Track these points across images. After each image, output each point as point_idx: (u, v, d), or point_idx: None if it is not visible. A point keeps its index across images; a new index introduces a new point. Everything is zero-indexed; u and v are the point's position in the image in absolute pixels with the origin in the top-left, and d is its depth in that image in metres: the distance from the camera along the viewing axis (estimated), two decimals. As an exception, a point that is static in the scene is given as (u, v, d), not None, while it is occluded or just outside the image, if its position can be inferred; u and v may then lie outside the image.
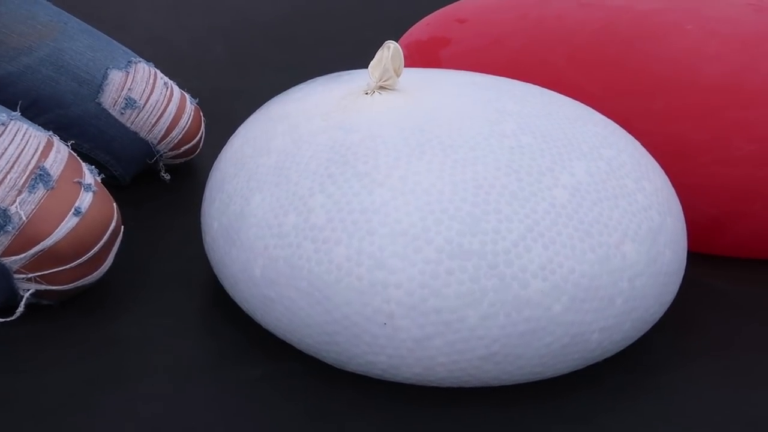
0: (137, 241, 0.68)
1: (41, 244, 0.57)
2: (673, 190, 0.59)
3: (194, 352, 0.59)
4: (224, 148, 0.64)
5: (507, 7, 0.85)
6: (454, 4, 0.91)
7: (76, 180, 0.59)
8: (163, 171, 0.81)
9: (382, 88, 0.58)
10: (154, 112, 0.76)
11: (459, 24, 0.85)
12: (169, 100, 0.77)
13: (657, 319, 0.57)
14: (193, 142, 0.81)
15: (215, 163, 0.64)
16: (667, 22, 0.74)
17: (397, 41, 0.61)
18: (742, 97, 0.68)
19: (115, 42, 0.78)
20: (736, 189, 0.67)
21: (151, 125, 0.76)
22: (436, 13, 0.90)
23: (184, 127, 0.79)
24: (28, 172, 0.57)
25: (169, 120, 0.77)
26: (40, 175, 0.57)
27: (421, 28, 0.88)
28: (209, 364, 0.58)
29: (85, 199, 0.58)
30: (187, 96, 0.81)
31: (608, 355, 0.55)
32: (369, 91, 0.58)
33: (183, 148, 0.80)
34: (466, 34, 0.83)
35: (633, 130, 0.62)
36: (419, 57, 0.81)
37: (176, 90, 0.79)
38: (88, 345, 0.59)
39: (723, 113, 0.67)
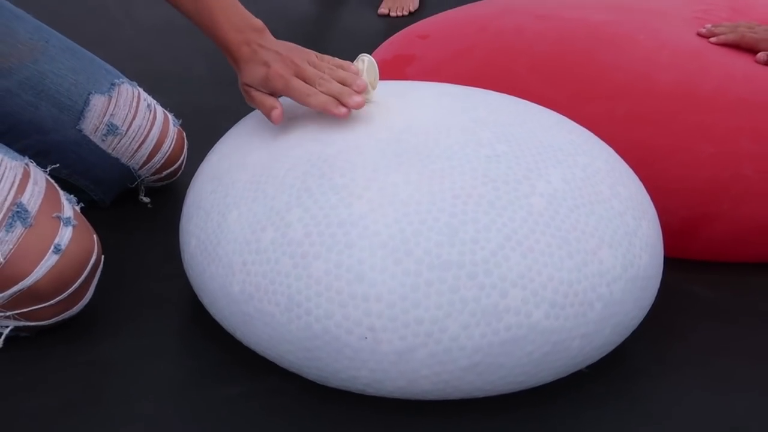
0: (117, 262, 0.67)
1: (20, 284, 0.55)
2: (647, 195, 0.60)
3: (175, 371, 0.58)
4: (201, 164, 0.64)
5: (466, 21, 0.86)
6: (414, 24, 0.92)
7: (55, 215, 0.57)
8: (143, 194, 0.80)
9: (358, 102, 0.58)
10: (136, 138, 0.75)
11: (421, 40, 0.86)
12: (152, 125, 0.76)
13: (637, 325, 0.57)
14: (175, 166, 0.80)
15: (193, 179, 0.63)
16: (620, 33, 0.77)
17: None
18: (696, 103, 0.70)
19: (98, 61, 0.75)
20: (704, 190, 0.69)
21: (133, 151, 0.75)
22: (397, 33, 0.92)
23: (167, 152, 0.77)
24: (4, 210, 0.55)
25: (152, 145, 0.76)
26: (18, 213, 0.55)
27: (385, 48, 0.89)
28: (190, 383, 0.57)
29: (65, 235, 0.56)
30: (171, 118, 0.79)
31: (590, 362, 0.55)
32: (345, 105, 0.58)
33: (165, 173, 0.79)
34: (430, 50, 0.85)
35: (600, 135, 0.64)
36: (385, 75, 0.81)
37: (159, 112, 0.77)
38: (67, 368, 0.58)
39: (681, 117, 0.70)
